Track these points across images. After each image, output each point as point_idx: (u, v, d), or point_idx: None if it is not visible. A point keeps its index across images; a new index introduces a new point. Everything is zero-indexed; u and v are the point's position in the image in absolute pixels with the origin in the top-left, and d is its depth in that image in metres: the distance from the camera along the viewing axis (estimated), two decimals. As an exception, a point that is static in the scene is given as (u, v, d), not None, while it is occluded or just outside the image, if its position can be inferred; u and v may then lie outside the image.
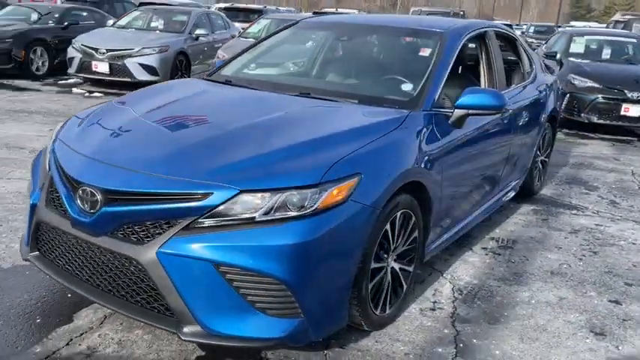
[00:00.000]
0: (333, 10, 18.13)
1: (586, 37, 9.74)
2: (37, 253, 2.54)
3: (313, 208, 2.11)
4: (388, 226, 2.49)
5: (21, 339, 2.41)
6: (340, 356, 2.44)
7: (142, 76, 9.18)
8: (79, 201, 2.25)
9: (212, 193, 2.09)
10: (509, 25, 32.44)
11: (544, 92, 4.59)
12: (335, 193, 2.17)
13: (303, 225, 2.09)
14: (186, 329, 2.10)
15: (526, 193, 4.85)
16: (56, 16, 11.12)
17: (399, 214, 2.55)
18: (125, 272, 2.18)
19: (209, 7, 15.83)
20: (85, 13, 12.11)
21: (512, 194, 4.34)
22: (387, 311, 2.66)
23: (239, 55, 3.81)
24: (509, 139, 3.84)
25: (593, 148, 7.29)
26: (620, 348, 2.66)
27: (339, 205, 2.18)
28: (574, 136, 8.06)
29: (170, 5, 12.84)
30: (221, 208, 2.08)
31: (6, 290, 2.79)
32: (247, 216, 2.08)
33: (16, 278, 2.90)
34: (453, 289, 3.13)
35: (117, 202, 2.16)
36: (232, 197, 2.08)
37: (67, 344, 2.40)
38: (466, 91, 3.00)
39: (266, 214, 2.09)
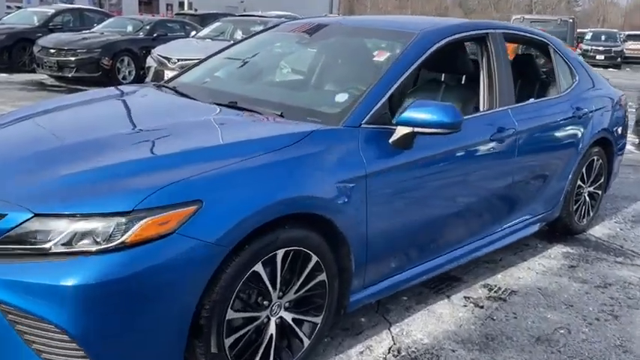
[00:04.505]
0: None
1: None
2: None
3: (118, 242, 1.71)
4: (260, 268, 2.01)
5: None
6: (186, 423, 1.99)
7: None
8: None
9: (6, 215, 1.77)
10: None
11: (585, 110, 3.74)
12: (155, 224, 1.75)
13: (101, 262, 1.70)
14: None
15: (563, 232, 4.01)
16: (147, 27, 11.69)
17: (281, 252, 2.06)
18: None
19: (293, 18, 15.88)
20: (177, 26, 12.64)
21: (529, 231, 3.57)
22: (270, 371, 2.16)
23: (203, 61, 3.50)
24: (511, 165, 3.12)
25: (693, 180, 6.00)
26: None
27: (161, 239, 1.76)
28: (676, 163, 6.74)
29: (256, 17, 13.00)
30: (12, 233, 1.75)
31: None
32: (40, 246, 1.73)
33: None
34: (390, 348, 2.53)
35: None
36: (25, 221, 1.74)
37: None
38: (411, 105, 2.42)
39: (65, 244, 1.72)
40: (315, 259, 2.19)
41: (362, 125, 2.39)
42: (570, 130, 3.63)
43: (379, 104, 2.47)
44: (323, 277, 2.25)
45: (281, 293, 2.14)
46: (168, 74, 9.52)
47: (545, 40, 3.74)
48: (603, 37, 25.92)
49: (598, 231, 4.21)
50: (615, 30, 28.70)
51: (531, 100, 3.45)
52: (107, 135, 2.22)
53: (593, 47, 25.00)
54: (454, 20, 3.22)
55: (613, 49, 24.79)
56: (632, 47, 28.14)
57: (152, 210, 1.75)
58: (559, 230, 4.00)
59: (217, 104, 2.67)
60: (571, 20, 12.72)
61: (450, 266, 2.98)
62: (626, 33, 31.68)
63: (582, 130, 3.72)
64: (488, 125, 2.98)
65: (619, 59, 24.56)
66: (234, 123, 2.40)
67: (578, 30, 32.49)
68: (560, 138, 3.55)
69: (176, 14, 19.16)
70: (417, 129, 2.39)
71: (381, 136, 2.42)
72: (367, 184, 2.31)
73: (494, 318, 2.85)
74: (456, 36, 2.96)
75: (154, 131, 2.27)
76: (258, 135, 2.23)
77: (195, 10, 17.94)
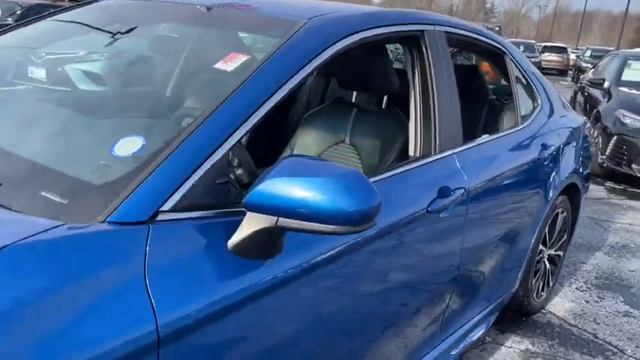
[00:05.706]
0: None
1: (646, 63, 7.55)
2: None
3: None
4: None
5: None
6: None
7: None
8: None
9: None
10: (563, 49, 29.75)
11: (552, 148, 2.63)
12: None
13: None
14: None
15: (517, 312, 2.91)
16: (18, 12, 9.80)
17: None
18: None
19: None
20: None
21: (483, 330, 2.41)
22: None
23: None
24: (458, 244, 1.92)
25: (645, 217, 5.16)
26: None
27: None
28: (621, 193, 5.92)
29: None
30: None
31: None
32: None
33: None
34: None
35: None
36: None
37: None
38: (276, 167, 1.13)
39: None
40: None
41: (159, 215, 1.07)
42: (537, 177, 2.50)
43: (209, 163, 1.16)
44: None
45: None
46: (32, 71, 7.79)
47: (501, 47, 2.58)
48: (522, 48, 25.97)
49: (559, 306, 3.13)
50: (533, 41, 29.00)
51: (485, 136, 2.27)
52: None
53: (513, 57, 25.03)
54: (368, 8, 1.95)
55: (531, 59, 24.82)
56: (548, 58, 28.58)
57: None
58: (512, 310, 2.89)
59: None
60: (497, 28, 12.09)
61: None
62: (542, 44, 32.28)
63: (550, 175, 2.61)
64: (423, 186, 1.76)
65: (537, 70, 24.73)
66: None
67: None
68: (524, 191, 2.41)
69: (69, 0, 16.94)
70: (284, 221, 1.10)
71: (207, 233, 1.12)
72: (160, 356, 0.99)
73: None
74: (373, 32, 1.68)
75: None
76: None
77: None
